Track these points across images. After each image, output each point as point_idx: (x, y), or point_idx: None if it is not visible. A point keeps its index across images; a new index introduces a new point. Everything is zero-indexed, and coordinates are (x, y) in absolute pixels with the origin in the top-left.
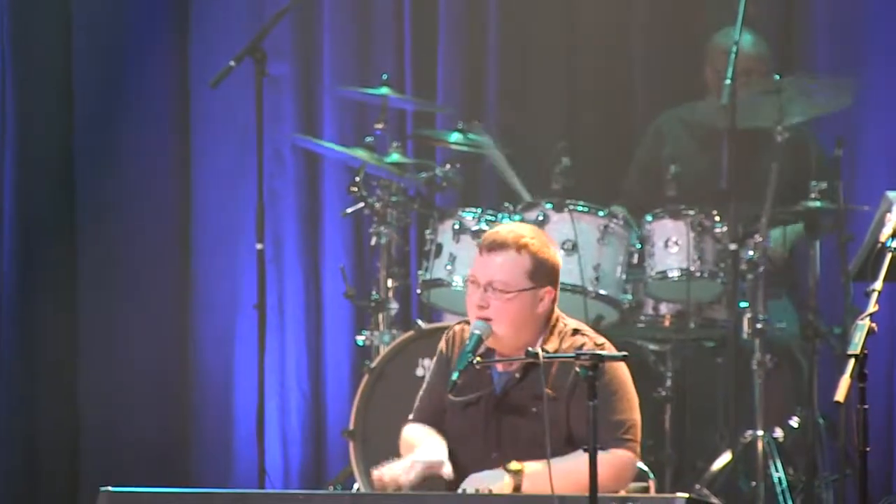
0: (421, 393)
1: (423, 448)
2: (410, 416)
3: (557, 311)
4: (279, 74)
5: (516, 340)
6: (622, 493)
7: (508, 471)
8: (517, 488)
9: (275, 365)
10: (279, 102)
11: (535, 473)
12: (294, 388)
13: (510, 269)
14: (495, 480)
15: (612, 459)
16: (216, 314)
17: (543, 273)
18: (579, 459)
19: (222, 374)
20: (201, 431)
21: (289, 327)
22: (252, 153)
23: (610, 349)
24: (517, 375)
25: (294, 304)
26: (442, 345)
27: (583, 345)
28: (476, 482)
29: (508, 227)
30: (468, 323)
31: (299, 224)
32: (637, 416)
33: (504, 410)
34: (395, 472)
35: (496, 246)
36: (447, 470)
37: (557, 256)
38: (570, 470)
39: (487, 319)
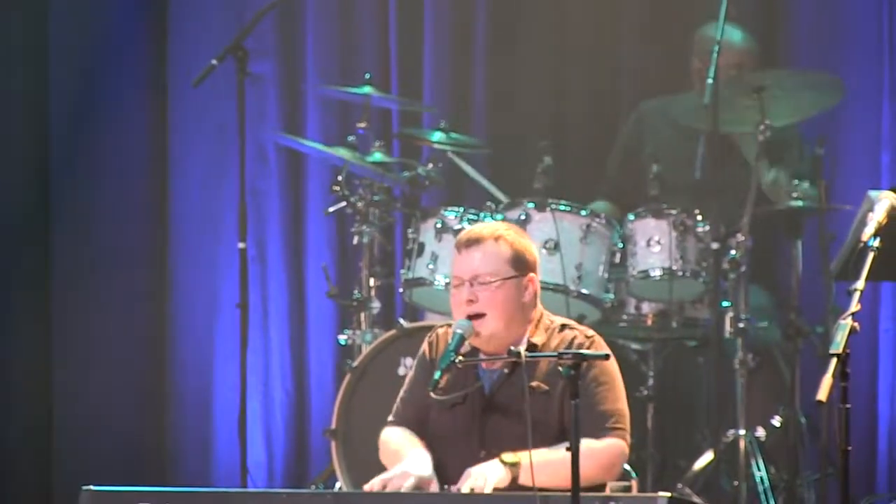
0: (401, 395)
1: (410, 460)
2: (390, 419)
3: (540, 306)
4: (262, 73)
5: (506, 334)
6: (606, 493)
7: (505, 463)
8: (514, 480)
9: (258, 364)
10: (262, 101)
11: (534, 466)
12: (278, 386)
13: (492, 259)
14: (494, 473)
15: (604, 448)
16: (196, 314)
17: (523, 261)
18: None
19: (202, 374)
20: (181, 432)
21: (272, 326)
22: (232, 152)
23: (599, 342)
24: (506, 371)
25: (278, 303)
26: (424, 347)
27: (573, 338)
28: (475, 476)
29: (482, 224)
30: (451, 326)
31: (283, 223)
32: (625, 407)
33: (493, 408)
34: (392, 483)
35: (473, 241)
36: (434, 488)
37: (533, 247)
38: (562, 461)
39: (478, 315)
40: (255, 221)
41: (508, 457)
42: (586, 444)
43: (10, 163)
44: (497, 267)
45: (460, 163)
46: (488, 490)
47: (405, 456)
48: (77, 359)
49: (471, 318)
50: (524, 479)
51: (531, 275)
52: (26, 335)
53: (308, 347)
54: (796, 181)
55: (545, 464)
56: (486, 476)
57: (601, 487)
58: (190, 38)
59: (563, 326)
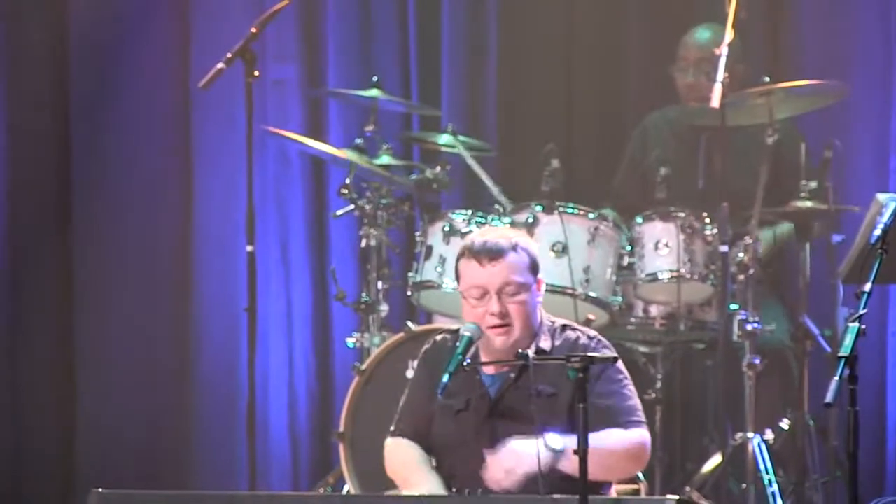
0: (402, 405)
1: (421, 485)
2: (392, 429)
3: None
4: (285, 78)
5: (524, 342)
6: (614, 495)
7: (549, 448)
8: (554, 466)
9: (282, 365)
10: (285, 105)
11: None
12: (302, 388)
13: (517, 268)
14: (531, 459)
15: (637, 437)
16: (219, 315)
17: (536, 266)
18: (608, 438)
19: (226, 375)
20: (204, 433)
21: (296, 328)
22: (255, 154)
23: (602, 340)
24: (512, 375)
25: (301, 305)
26: (422, 356)
27: (576, 339)
28: (510, 459)
29: (491, 233)
30: (451, 333)
31: (306, 226)
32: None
33: (499, 413)
34: None
35: (496, 253)
36: None
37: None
38: (603, 450)
39: (506, 325)
40: (279, 225)
41: (554, 441)
42: (617, 433)
43: (31, 162)
44: (522, 277)
45: (473, 164)
46: (512, 481)
47: (415, 479)
48: (100, 360)
49: (495, 327)
50: (563, 466)
51: (540, 277)
52: (49, 336)
53: (332, 349)
54: (804, 181)
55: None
56: (517, 463)
57: (606, 485)
58: (213, 39)
59: (565, 327)
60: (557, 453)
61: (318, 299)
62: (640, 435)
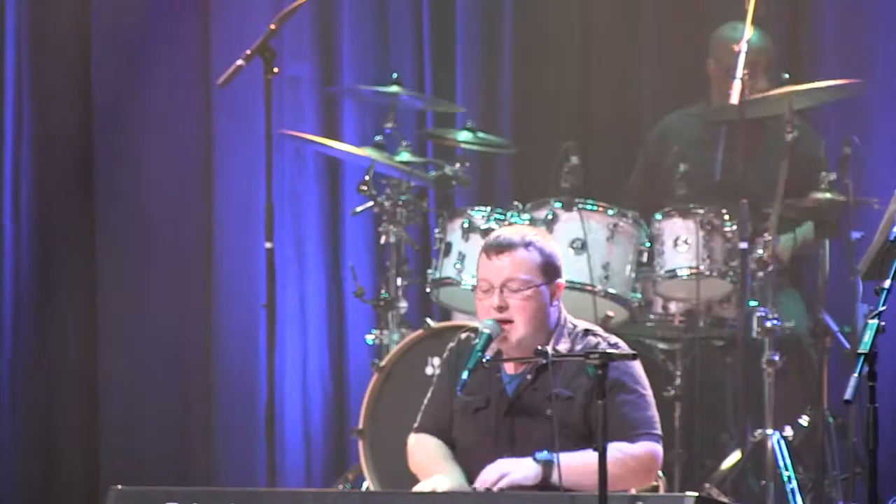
0: (426, 401)
1: (444, 477)
2: (416, 425)
3: (564, 311)
4: (300, 75)
5: (533, 341)
6: (632, 492)
7: (538, 460)
8: (546, 478)
9: (296, 363)
10: (300, 103)
11: (566, 467)
12: (316, 386)
13: (524, 265)
14: (522, 469)
15: (643, 452)
16: (240, 312)
17: (552, 268)
18: (609, 455)
19: (247, 372)
20: (225, 430)
21: (310, 326)
22: (275, 151)
23: (625, 349)
24: (529, 377)
25: (315, 302)
26: (447, 353)
27: (597, 345)
28: (501, 467)
29: (510, 229)
30: (475, 331)
31: (321, 223)
32: (656, 413)
33: (517, 413)
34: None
35: (504, 247)
36: None
37: (559, 252)
38: (595, 464)
39: (508, 321)
40: (294, 222)
41: (542, 455)
42: (620, 447)
43: (54, 162)
44: (529, 274)
45: None
46: (504, 484)
47: (437, 471)
48: (123, 358)
49: (497, 322)
50: (556, 479)
51: (558, 280)
52: (72, 333)
53: (346, 347)
54: (823, 173)
55: (579, 465)
56: (509, 469)
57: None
58: (233, 36)
59: (587, 332)
60: (547, 465)
61: (333, 296)
62: (645, 449)
